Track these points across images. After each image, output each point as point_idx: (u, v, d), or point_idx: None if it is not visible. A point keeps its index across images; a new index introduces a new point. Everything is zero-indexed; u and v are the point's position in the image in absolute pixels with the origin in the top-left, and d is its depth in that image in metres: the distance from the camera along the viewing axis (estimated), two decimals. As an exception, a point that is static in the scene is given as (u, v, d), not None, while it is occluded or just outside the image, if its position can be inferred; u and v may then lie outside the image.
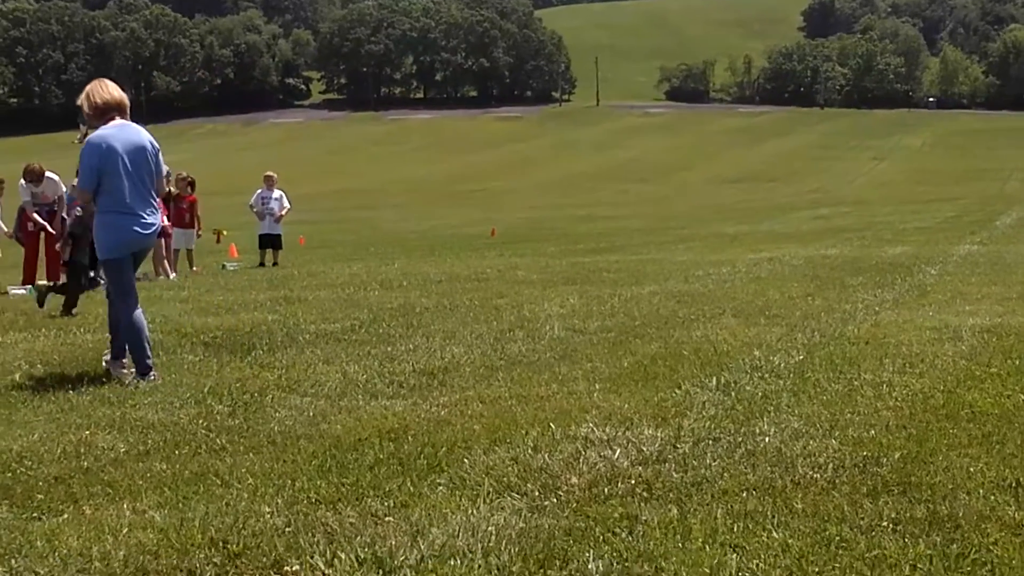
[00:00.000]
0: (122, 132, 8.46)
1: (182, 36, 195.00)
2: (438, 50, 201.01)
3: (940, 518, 4.54)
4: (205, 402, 7.32)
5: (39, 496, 5.15)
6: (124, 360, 8.57)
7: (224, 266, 22.89)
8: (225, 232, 30.74)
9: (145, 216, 8.51)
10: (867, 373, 7.72)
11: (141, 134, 8.60)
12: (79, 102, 8.62)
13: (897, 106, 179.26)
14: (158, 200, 8.79)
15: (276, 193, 23.27)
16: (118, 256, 8.56)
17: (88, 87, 8.67)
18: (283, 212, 23.30)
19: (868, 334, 9.65)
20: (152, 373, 8.36)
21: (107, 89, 8.56)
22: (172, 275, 19.58)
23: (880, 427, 6.08)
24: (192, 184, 21.32)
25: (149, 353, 8.46)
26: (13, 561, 4.27)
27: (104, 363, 8.70)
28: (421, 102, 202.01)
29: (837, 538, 4.32)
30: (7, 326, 11.75)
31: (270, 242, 23.02)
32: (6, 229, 17.83)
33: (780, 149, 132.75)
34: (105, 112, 8.50)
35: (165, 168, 17.58)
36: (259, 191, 23.63)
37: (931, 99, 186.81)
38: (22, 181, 17.66)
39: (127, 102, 8.65)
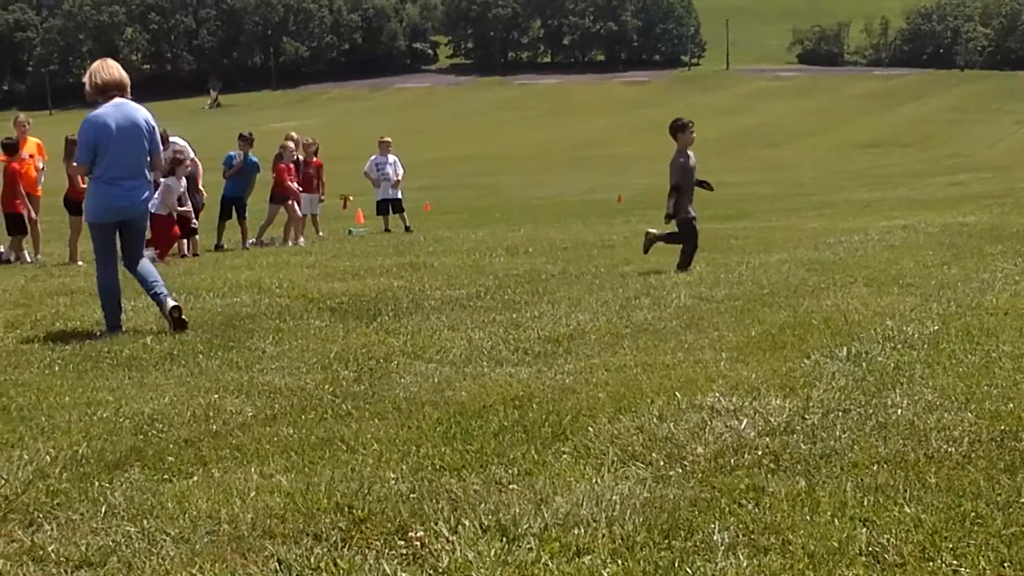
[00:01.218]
0: (118, 110, 9.02)
1: (311, 1, 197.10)
2: (566, 13, 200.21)
3: (1082, 496, 4.37)
4: (331, 368, 7.40)
5: (170, 458, 5.25)
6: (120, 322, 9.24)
7: (350, 231, 23.14)
8: (352, 198, 31.06)
9: (134, 188, 9.16)
10: (1006, 345, 7.49)
11: (137, 112, 9.14)
12: (84, 79, 9.21)
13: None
14: (154, 174, 9.71)
15: (391, 158, 23.39)
16: (102, 222, 9.26)
17: (92, 66, 9.24)
18: (399, 176, 23.41)
19: (1007, 304, 9.37)
20: (121, 328, 9.12)
21: (109, 70, 9.13)
22: (300, 240, 19.83)
23: (1019, 400, 5.89)
24: (316, 150, 21.54)
25: (119, 314, 9.25)
26: (145, 522, 4.35)
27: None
28: (548, 66, 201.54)
29: (972, 514, 4.19)
30: (139, 290, 11.99)
31: (390, 207, 23.17)
32: None
33: (917, 113, 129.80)
34: (105, 91, 9.06)
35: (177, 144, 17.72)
36: (373, 157, 23.79)
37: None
38: None
39: (127, 82, 9.19)
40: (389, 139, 24.04)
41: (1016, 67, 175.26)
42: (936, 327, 8.30)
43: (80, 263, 16.19)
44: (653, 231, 13.70)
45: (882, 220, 21.04)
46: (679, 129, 13.32)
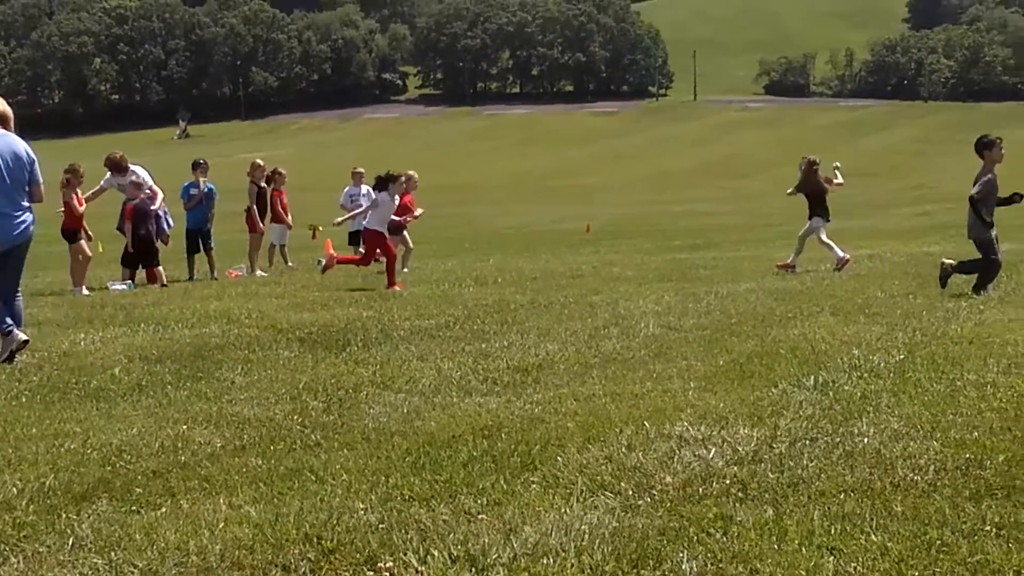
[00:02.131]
0: (2, 141, 9.21)
1: (280, 32, 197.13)
2: (534, 44, 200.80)
3: (1046, 524, 4.41)
4: (300, 398, 7.39)
5: (138, 490, 5.23)
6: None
7: (319, 262, 23.03)
8: (320, 228, 30.99)
9: (16, 217, 9.28)
10: (970, 373, 7.55)
11: (18, 144, 9.34)
12: None
13: (1005, 99, 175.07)
14: (31, 204, 9.51)
15: (364, 189, 23.31)
16: None
17: None
18: None
19: (972, 333, 9.44)
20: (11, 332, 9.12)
21: None
22: (258, 271, 19.60)
23: (983, 429, 5.94)
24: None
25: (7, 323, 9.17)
26: (113, 554, 4.33)
27: None
28: (517, 97, 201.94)
29: (938, 542, 4.22)
30: (107, 321, 11.97)
31: (362, 238, 23.10)
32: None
33: (882, 144, 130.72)
34: None
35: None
36: (347, 189, 23.70)
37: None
38: (108, 174, 17.73)
39: (10, 115, 9.43)
40: (362, 170, 23.93)
41: (979, 99, 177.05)
42: (902, 356, 8.36)
43: (85, 291, 15.95)
44: (948, 262, 13.43)
45: (849, 250, 21.15)
46: (986, 146, 13.14)
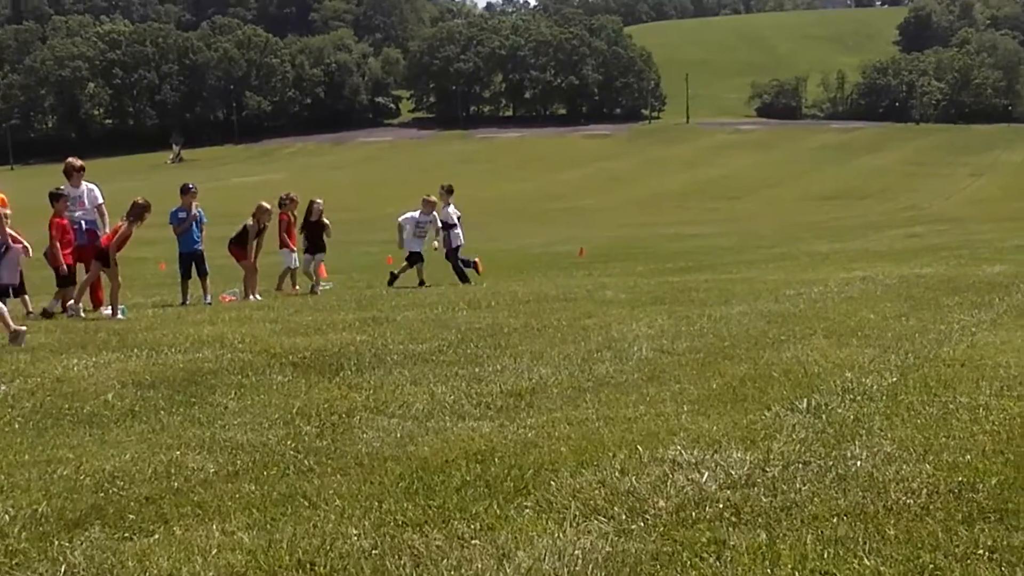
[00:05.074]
0: None
1: (273, 56, 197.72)
2: (527, 68, 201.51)
3: (1038, 547, 4.42)
4: (293, 423, 7.39)
5: (131, 516, 5.22)
6: None
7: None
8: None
9: None
10: (963, 396, 7.56)
11: None
12: None
13: (996, 121, 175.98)
14: None
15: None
16: None
17: None
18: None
19: (964, 356, 9.46)
20: None
21: None
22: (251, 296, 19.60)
23: (976, 452, 5.95)
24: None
25: None
26: (105, 581, 4.33)
27: None
28: (510, 120, 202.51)
29: (931, 566, 4.23)
30: (100, 346, 11.95)
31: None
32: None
33: (874, 165, 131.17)
34: None
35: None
36: (413, 214, 24.05)
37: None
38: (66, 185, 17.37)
39: None
40: (435, 198, 24.40)
41: (970, 120, 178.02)
42: (894, 379, 8.37)
43: (107, 310, 15.98)
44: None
45: (841, 272, 21.19)
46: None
